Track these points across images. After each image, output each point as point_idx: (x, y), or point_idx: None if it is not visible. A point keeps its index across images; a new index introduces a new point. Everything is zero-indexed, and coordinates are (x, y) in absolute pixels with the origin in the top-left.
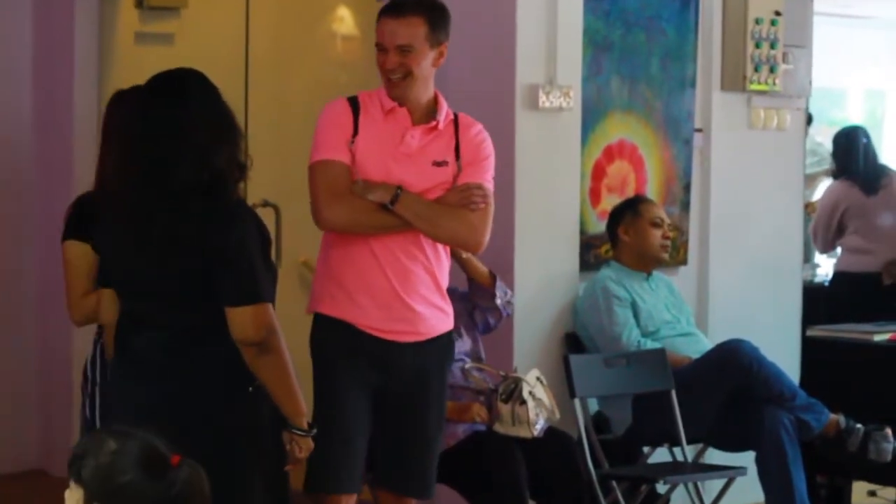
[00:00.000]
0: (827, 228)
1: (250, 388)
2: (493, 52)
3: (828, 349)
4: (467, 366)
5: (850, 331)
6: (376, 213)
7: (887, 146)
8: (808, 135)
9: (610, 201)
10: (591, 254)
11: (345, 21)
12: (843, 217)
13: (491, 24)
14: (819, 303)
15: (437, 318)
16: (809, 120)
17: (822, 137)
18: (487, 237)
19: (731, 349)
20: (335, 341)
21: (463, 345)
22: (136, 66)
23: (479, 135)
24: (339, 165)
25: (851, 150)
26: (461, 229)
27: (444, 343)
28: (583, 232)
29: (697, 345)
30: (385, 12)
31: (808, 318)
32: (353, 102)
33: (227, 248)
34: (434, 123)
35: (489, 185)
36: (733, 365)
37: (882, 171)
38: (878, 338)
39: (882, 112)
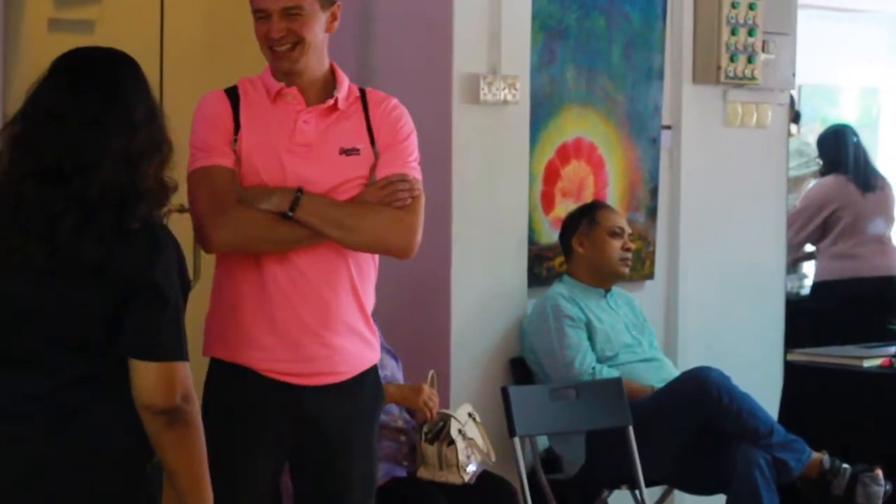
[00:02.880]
0: (807, 223)
1: (148, 467)
2: (427, 37)
3: (810, 376)
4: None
5: (836, 355)
6: (274, 224)
7: (883, 145)
8: (797, 133)
9: (565, 207)
10: (542, 267)
11: None
12: (831, 216)
13: (424, 5)
14: (803, 319)
15: (362, 350)
16: (797, 117)
17: (815, 136)
18: (419, 238)
19: (697, 378)
20: (233, 393)
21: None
22: (51, 56)
23: (394, 110)
24: (222, 171)
25: (841, 148)
26: (385, 231)
27: (371, 381)
28: (533, 242)
29: (661, 372)
30: None
31: (793, 336)
32: (231, 92)
33: (145, 282)
34: (331, 102)
35: (415, 173)
36: (700, 396)
37: (875, 170)
38: (868, 363)
39: (877, 110)
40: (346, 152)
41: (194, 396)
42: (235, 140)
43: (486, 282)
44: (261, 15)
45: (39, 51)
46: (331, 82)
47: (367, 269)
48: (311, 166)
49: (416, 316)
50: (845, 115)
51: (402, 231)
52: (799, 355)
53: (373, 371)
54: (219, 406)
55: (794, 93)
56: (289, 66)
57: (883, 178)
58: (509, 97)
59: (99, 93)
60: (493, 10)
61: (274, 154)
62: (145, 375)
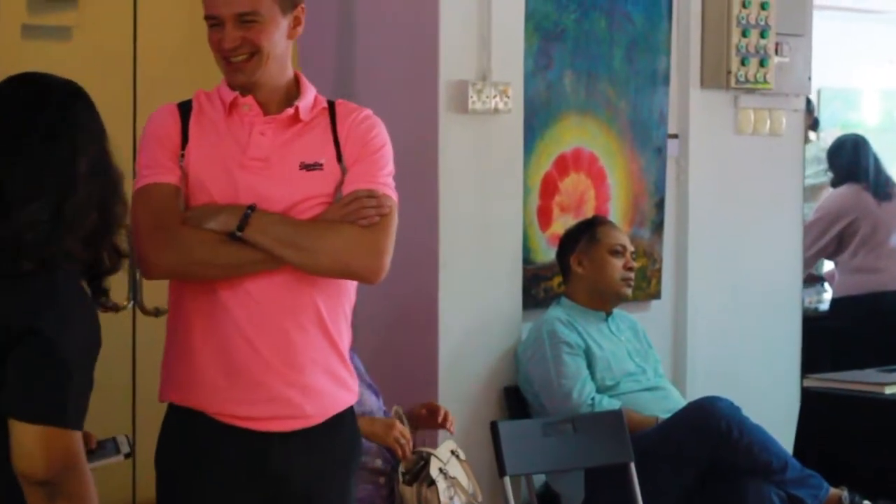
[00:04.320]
0: (821, 236)
1: None
2: (411, 41)
3: (828, 404)
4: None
5: (856, 381)
6: (222, 246)
7: None
8: (816, 140)
9: (563, 223)
10: (539, 288)
11: None
12: (848, 227)
13: (408, 7)
14: (822, 337)
15: (334, 390)
16: (815, 125)
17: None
18: (388, 260)
19: (704, 409)
20: (187, 442)
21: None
22: (25, 63)
23: (364, 121)
24: (164, 189)
25: (861, 157)
26: (348, 253)
27: (346, 427)
28: (529, 261)
29: (666, 401)
30: None
31: (811, 357)
32: (184, 106)
33: (34, 333)
34: (291, 111)
35: (387, 189)
36: (708, 429)
37: (889, 179)
38: (889, 390)
39: None
40: (308, 167)
41: (81, 468)
42: (182, 155)
43: (476, 305)
44: (213, 22)
45: (13, 58)
46: (294, 92)
47: (338, 297)
48: (267, 182)
49: (400, 343)
50: (866, 118)
51: (367, 252)
52: (816, 381)
53: (349, 414)
54: (172, 457)
55: (814, 97)
56: (244, 78)
57: None
58: (501, 105)
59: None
60: (483, 11)
61: (225, 169)
62: (21, 439)
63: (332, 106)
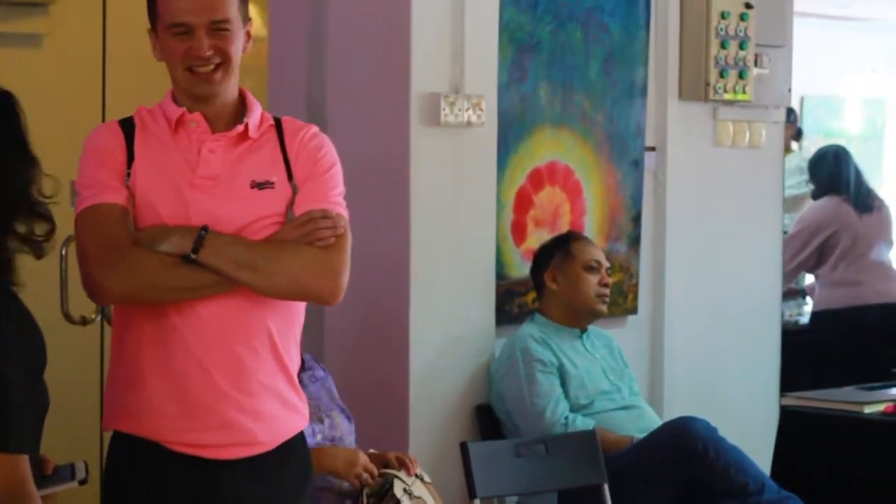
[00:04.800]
0: (801, 248)
1: None
2: (382, 53)
3: (806, 423)
4: None
5: (835, 400)
6: (174, 269)
7: (888, 158)
8: (798, 150)
9: (538, 237)
10: (513, 304)
11: (254, 21)
12: (828, 240)
13: (379, 17)
14: (802, 351)
15: (285, 415)
16: (798, 134)
17: (817, 149)
18: (345, 281)
19: (680, 430)
20: (136, 472)
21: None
22: None
23: (313, 139)
24: (112, 209)
25: (842, 169)
26: (306, 274)
27: (298, 454)
28: (502, 277)
29: (642, 421)
30: None
31: (791, 372)
32: (126, 123)
33: None
34: (241, 128)
35: (340, 209)
36: (683, 450)
37: (870, 191)
38: (869, 409)
39: (882, 121)
40: (259, 186)
41: (28, 495)
42: (128, 175)
43: (448, 322)
44: (181, 30)
45: None
46: (240, 109)
47: (289, 320)
48: (219, 202)
49: (369, 361)
50: (849, 126)
51: (325, 274)
52: (794, 399)
53: (300, 440)
54: (121, 487)
55: (797, 105)
56: (210, 90)
57: (879, 199)
58: (474, 118)
59: None
60: (456, 22)
61: (174, 189)
62: None
63: (278, 123)
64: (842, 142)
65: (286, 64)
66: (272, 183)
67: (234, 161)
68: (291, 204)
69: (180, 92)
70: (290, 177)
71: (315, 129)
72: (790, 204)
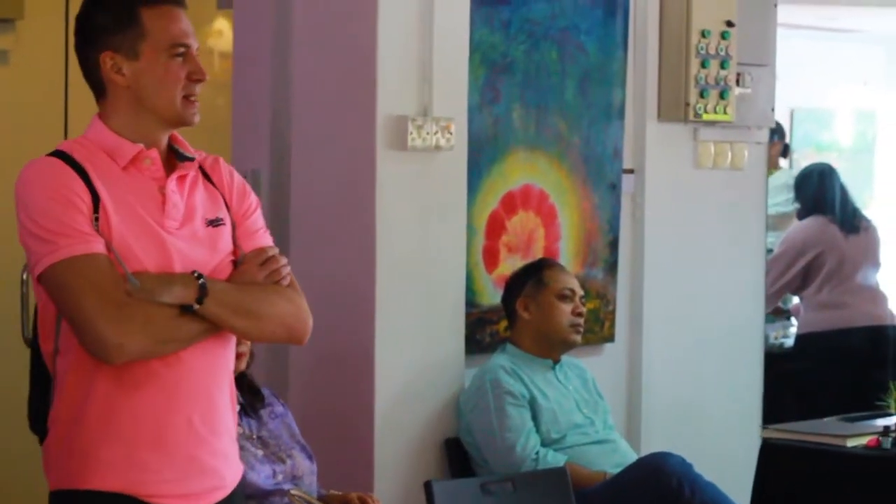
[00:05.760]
0: (786, 270)
1: None
2: (347, 75)
3: (787, 457)
4: (293, 490)
5: (817, 432)
6: (180, 321)
7: (879, 171)
8: (788, 167)
9: (511, 264)
10: (485, 333)
11: (224, 36)
12: (814, 261)
13: (344, 38)
14: (786, 376)
15: (235, 454)
16: (786, 150)
17: (808, 163)
18: None
19: (654, 466)
20: None
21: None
22: None
23: (233, 171)
24: (101, 261)
25: (827, 188)
26: (291, 317)
27: (241, 492)
28: (474, 305)
29: (615, 456)
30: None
31: (775, 399)
32: (68, 159)
33: None
34: (190, 164)
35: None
36: (658, 487)
37: (858, 211)
38: (852, 443)
39: (873, 134)
40: (213, 224)
41: None
42: (96, 219)
43: (416, 352)
44: (182, 51)
45: None
46: (169, 141)
47: (233, 355)
48: (189, 244)
49: (333, 396)
50: (839, 139)
51: (305, 314)
52: (774, 432)
53: (243, 479)
54: None
55: (787, 117)
56: (196, 117)
57: (867, 220)
58: (442, 142)
59: None
60: (424, 42)
61: (149, 233)
62: None
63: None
64: (832, 155)
65: (251, 85)
66: (222, 220)
67: (188, 199)
68: (234, 240)
69: (149, 120)
70: (228, 209)
71: (220, 158)
72: (777, 222)
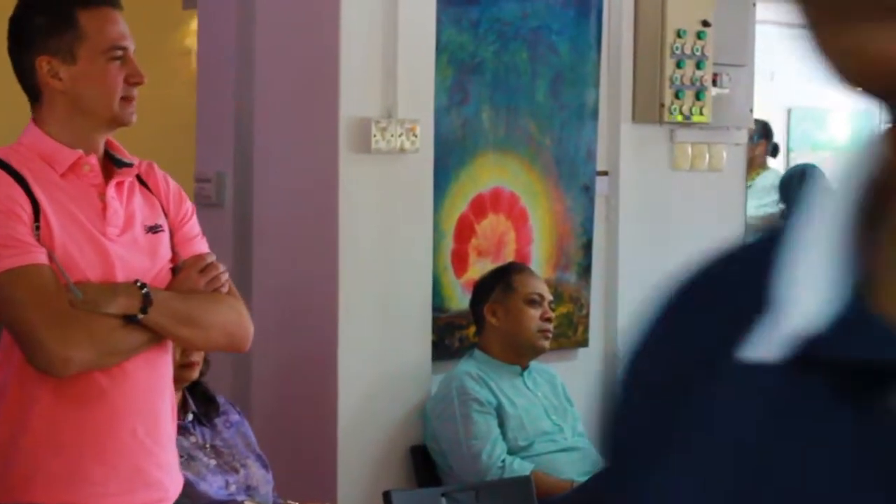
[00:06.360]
0: None
1: None
2: (310, 76)
3: None
4: (247, 502)
5: None
6: (124, 331)
7: None
8: (789, 166)
9: (480, 268)
10: (454, 338)
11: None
12: None
13: (306, 38)
14: None
15: (178, 466)
16: (775, 150)
17: (805, 162)
18: None
19: None
20: None
21: (236, 477)
22: None
23: (167, 176)
24: (44, 271)
25: (806, 188)
26: (234, 325)
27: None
28: (442, 310)
29: (583, 463)
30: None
31: None
32: (6, 167)
33: None
34: (129, 169)
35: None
36: None
37: None
38: None
39: (869, 133)
40: (152, 230)
41: None
42: (37, 228)
43: (381, 359)
44: (120, 53)
45: None
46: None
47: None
48: (130, 252)
49: (295, 404)
50: (836, 138)
51: (246, 321)
52: None
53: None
54: None
55: (784, 116)
56: (134, 118)
57: None
58: (407, 144)
59: None
60: (389, 43)
61: (91, 241)
62: None
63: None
64: (827, 155)
65: (215, 86)
66: (160, 226)
67: (128, 205)
68: (172, 247)
69: (87, 125)
70: (166, 217)
71: (154, 163)
72: (765, 223)
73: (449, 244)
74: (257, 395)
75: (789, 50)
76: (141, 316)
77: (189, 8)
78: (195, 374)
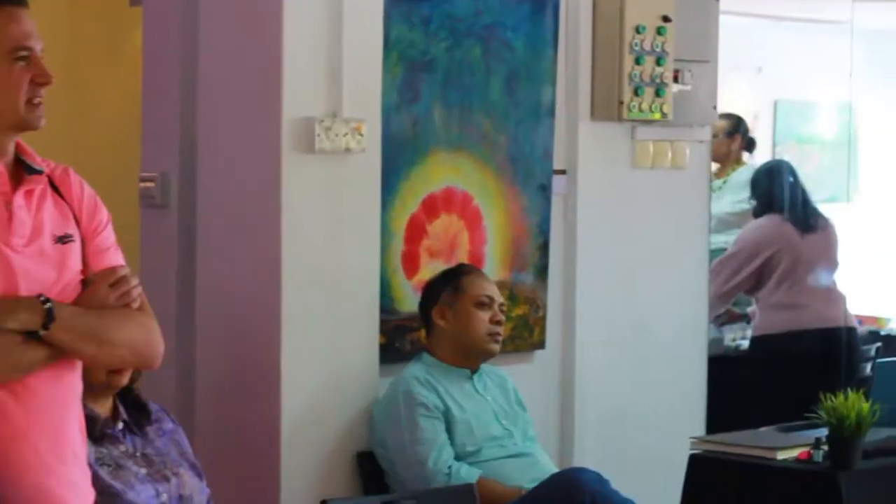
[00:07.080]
0: (739, 269)
1: None
2: (253, 75)
3: (714, 471)
4: None
5: (746, 444)
6: (24, 347)
7: (861, 163)
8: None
9: (432, 269)
10: (405, 340)
11: None
12: (769, 261)
13: (251, 36)
14: (742, 381)
15: (85, 484)
16: (751, 145)
17: (791, 155)
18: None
19: (568, 482)
20: None
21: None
22: None
23: (83, 184)
24: None
25: (774, 186)
26: (143, 342)
27: None
28: (392, 312)
29: (533, 470)
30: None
31: (731, 405)
32: None
33: None
34: (39, 176)
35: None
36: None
37: (815, 210)
38: (783, 455)
39: (855, 127)
40: (61, 240)
41: None
42: None
43: (326, 364)
44: (25, 54)
45: None
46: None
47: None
48: (36, 264)
49: (239, 411)
50: (822, 132)
51: (157, 338)
52: (702, 444)
53: None
54: None
55: (770, 109)
56: (42, 121)
57: (825, 219)
58: (353, 144)
59: None
60: (334, 39)
61: None
62: None
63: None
64: (814, 147)
65: (160, 86)
66: (71, 236)
67: (36, 215)
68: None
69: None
70: (78, 226)
71: (70, 168)
72: (740, 219)
73: (399, 245)
74: (201, 403)
75: (777, 43)
76: (43, 332)
77: (136, 5)
78: (125, 381)
